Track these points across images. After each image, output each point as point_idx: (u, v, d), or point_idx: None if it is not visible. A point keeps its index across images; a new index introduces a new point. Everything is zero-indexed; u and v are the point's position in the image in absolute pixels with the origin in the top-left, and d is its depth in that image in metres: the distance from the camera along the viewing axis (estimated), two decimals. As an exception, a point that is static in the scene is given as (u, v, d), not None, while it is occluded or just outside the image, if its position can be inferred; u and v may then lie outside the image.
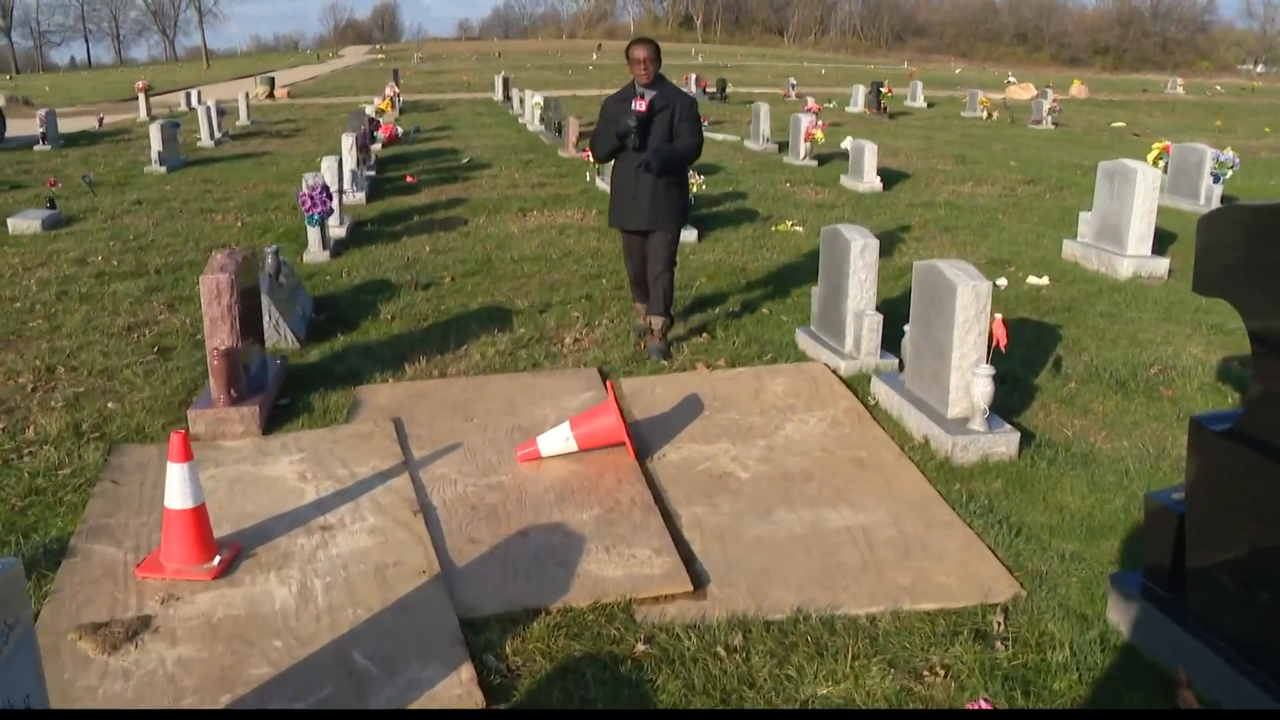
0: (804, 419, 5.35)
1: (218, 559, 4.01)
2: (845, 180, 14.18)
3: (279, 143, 21.03)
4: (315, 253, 9.61)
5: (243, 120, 25.34)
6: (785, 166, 16.03)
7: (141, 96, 27.98)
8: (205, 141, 20.54)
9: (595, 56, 73.96)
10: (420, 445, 5.19)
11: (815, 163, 16.09)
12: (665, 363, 6.35)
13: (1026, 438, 5.07)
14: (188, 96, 31.57)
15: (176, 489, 3.94)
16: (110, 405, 5.78)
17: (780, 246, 9.91)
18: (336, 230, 10.58)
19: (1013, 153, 19.14)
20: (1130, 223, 8.58)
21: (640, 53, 6.18)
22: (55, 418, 5.57)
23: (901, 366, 5.88)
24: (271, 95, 39.22)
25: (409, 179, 14.47)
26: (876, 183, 13.73)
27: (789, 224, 11.01)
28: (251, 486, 4.75)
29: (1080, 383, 6.01)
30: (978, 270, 4.99)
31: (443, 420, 5.50)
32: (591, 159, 6.59)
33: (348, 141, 12.84)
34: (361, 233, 10.80)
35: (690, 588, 3.79)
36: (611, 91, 6.73)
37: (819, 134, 15.94)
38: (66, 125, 25.58)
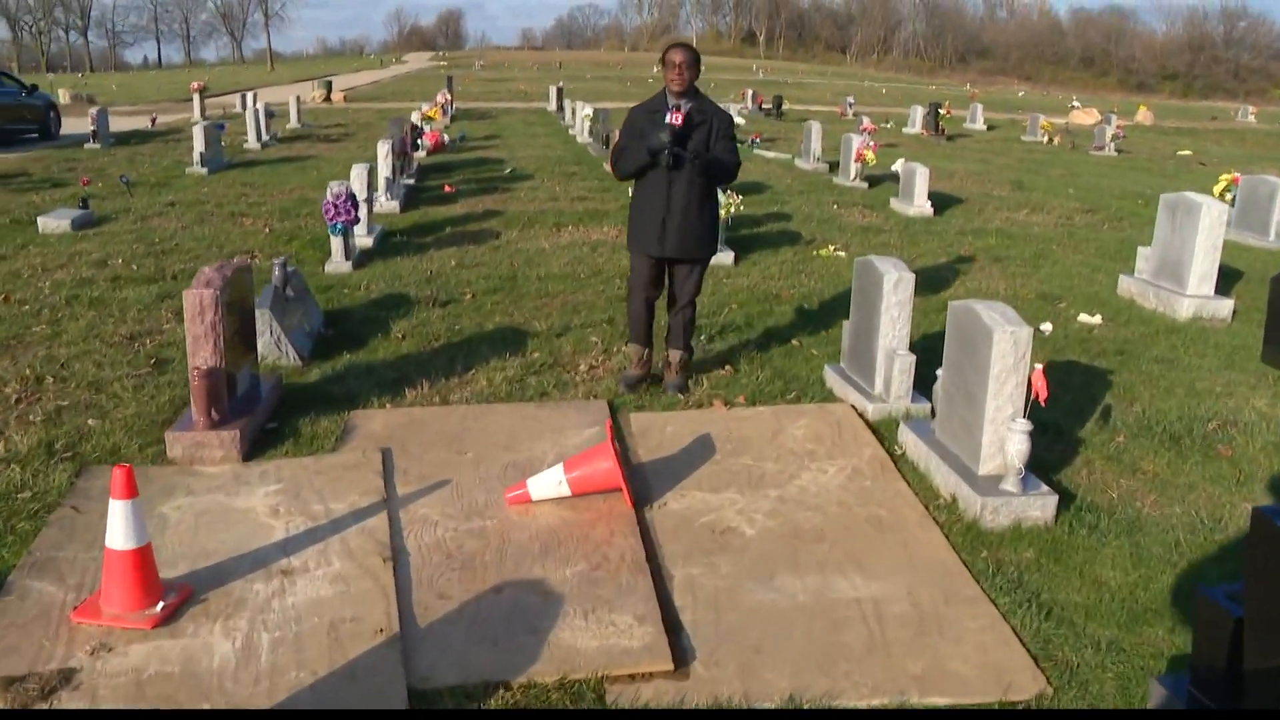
0: (823, 467, 4.92)
1: (161, 605, 3.66)
2: (895, 203, 13.70)
3: (325, 147, 20.91)
4: (338, 263, 9.33)
5: (292, 123, 25.32)
6: (834, 187, 15.57)
7: (196, 97, 28.08)
8: (252, 144, 20.48)
9: (656, 70, 73.67)
10: (406, 480, 4.83)
11: (865, 184, 15.61)
12: (681, 397, 5.93)
13: (1066, 498, 4.60)
14: (243, 98, 31.66)
15: (119, 528, 3.60)
16: (90, 422, 5.48)
17: (820, 273, 9.47)
18: (364, 240, 10.31)
19: (1072, 179, 18.52)
20: (1192, 260, 8.04)
21: (677, 56, 5.63)
22: (30, 433, 5.28)
23: (934, 412, 5.44)
24: (328, 99, 39.40)
25: (447, 189, 14.20)
26: (927, 207, 13.23)
27: (832, 248, 10.57)
28: (219, 520, 4.41)
29: (1130, 436, 5.52)
30: (1017, 314, 4.53)
31: (435, 452, 5.13)
32: (612, 173, 5.98)
33: (383, 149, 12.58)
34: (390, 243, 10.51)
35: (671, 665, 3.38)
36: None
37: (870, 155, 15.47)
38: (121, 124, 25.77)
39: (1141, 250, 8.85)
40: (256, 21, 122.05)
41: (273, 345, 6.51)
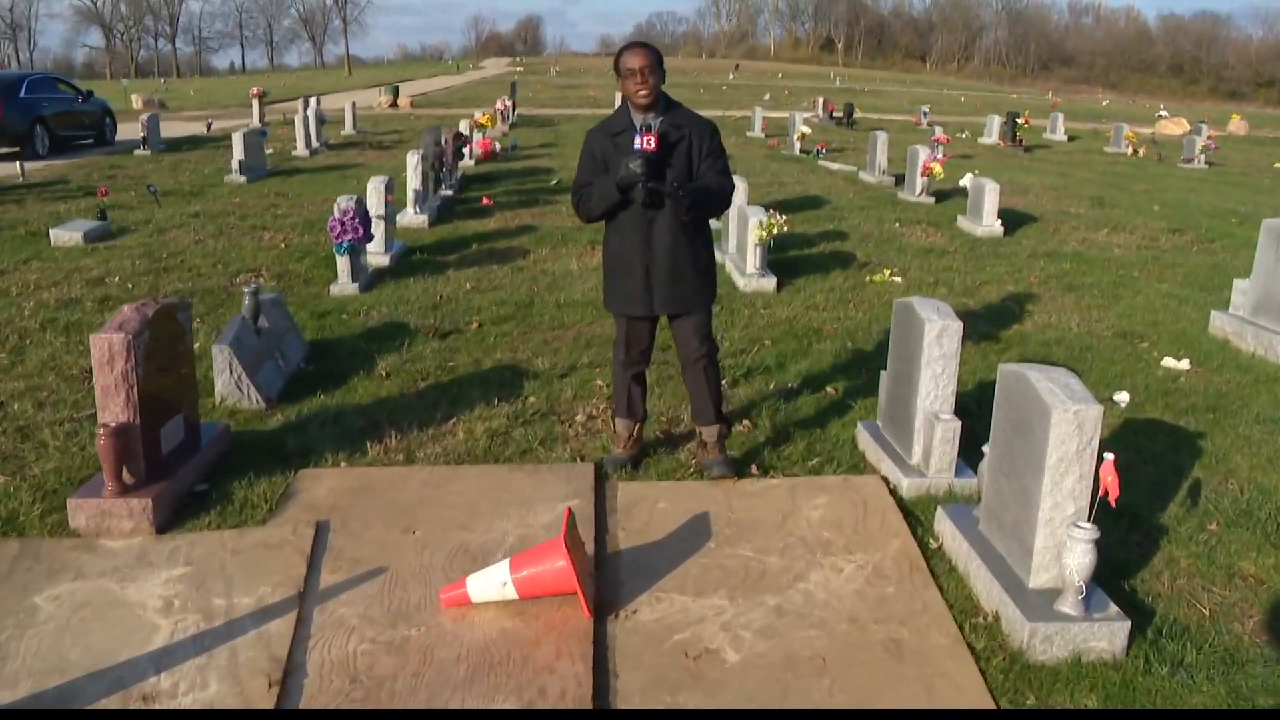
0: (838, 564, 4.02)
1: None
2: (962, 221, 12.66)
3: (375, 154, 20.35)
4: (344, 284, 8.61)
5: (347, 129, 24.87)
6: (898, 203, 14.54)
7: (255, 103, 27.80)
8: (300, 150, 20.00)
9: (731, 76, 72.93)
10: (335, 566, 4.03)
11: (932, 199, 14.56)
12: (725, 473, 4.84)
13: (1141, 616, 3.65)
14: (304, 103, 31.36)
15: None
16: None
17: (871, 302, 8.52)
18: (379, 258, 9.61)
19: (1158, 195, 17.25)
20: (1298, 298, 6.97)
21: (636, 59, 4.34)
22: (-75, 493, 4.59)
23: (980, 496, 4.51)
24: (394, 104, 39.11)
25: (485, 201, 13.47)
26: (996, 226, 12.18)
27: (888, 273, 9.60)
28: (97, 617, 3.65)
29: (1225, 525, 4.53)
30: (1083, 386, 3.58)
31: (378, 529, 4.33)
32: (578, 215, 4.77)
33: (412, 160, 11.87)
34: (408, 262, 9.78)
35: None
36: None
37: (937, 168, 14.42)
38: (179, 129, 25.62)
39: (1238, 283, 7.77)
40: (337, 27, 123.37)
41: (233, 386, 5.78)
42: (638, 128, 4.39)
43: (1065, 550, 3.41)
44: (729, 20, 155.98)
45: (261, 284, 8.50)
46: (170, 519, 4.42)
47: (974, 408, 5.65)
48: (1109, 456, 3.51)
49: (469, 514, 4.44)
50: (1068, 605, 3.44)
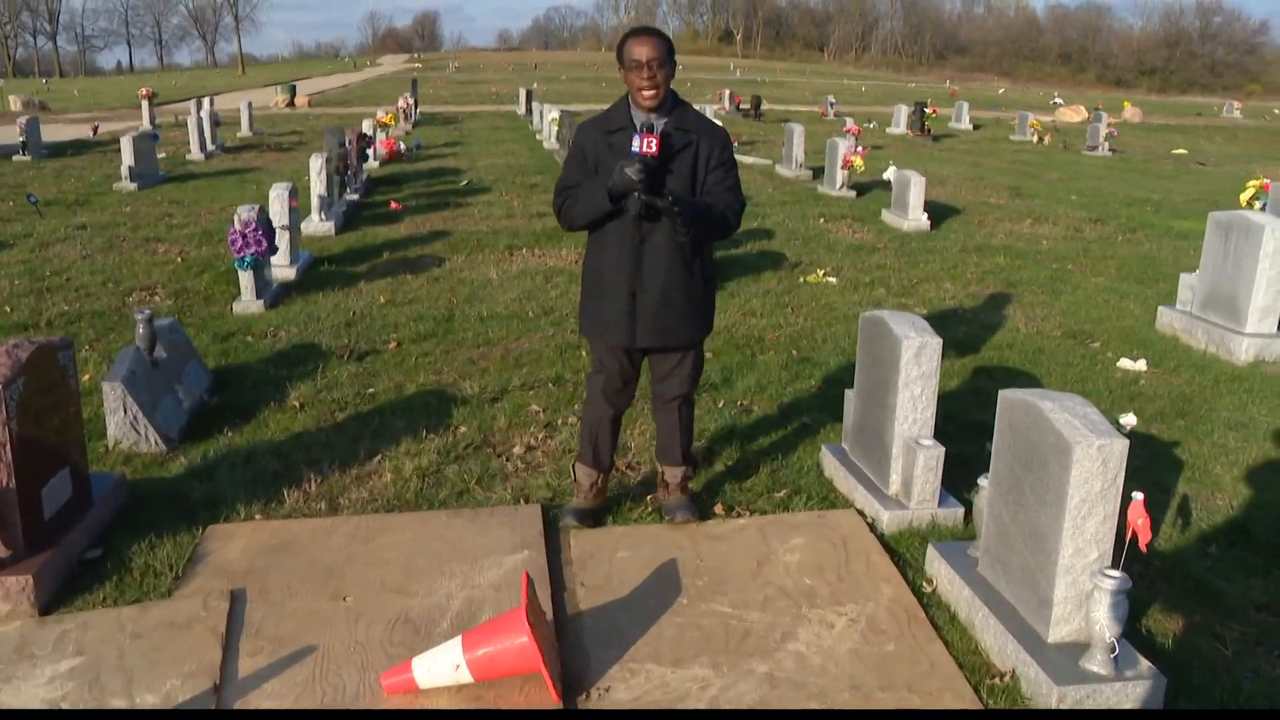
0: (827, 618, 3.60)
1: None
2: (887, 215, 12.41)
3: (274, 157, 19.50)
4: (247, 302, 7.96)
5: (244, 131, 23.88)
6: (820, 197, 14.27)
7: (145, 104, 26.57)
8: (195, 154, 19.05)
9: (630, 70, 72.43)
10: (255, 646, 3.49)
11: (854, 193, 14.32)
12: (686, 517, 4.33)
13: (1161, 662, 3.30)
14: (197, 104, 30.14)
15: None
16: None
17: (808, 305, 8.16)
18: (285, 271, 8.96)
19: (1071, 183, 17.30)
20: (1251, 291, 6.77)
21: (644, 50, 3.75)
22: None
23: (968, 518, 4.14)
24: (292, 104, 37.94)
25: (393, 205, 12.85)
26: (923, 220, 11.95)
27: (821, 273, 9.27)
28: (-31, 729, 3.06)
29: (1225, 547, 4.24)
30: (1102, 416, 3.21)
31: (303, 597, 3.79)
32: (558, 221, 4.07)
33: (316, 163, 11.20)
34: (315, 274, 9.15)
35: None
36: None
37: (858, 161, 14.18)
38: (63, 133, 24.35)
39: (1185, 278, 7.56)
40: (228, 25, 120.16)
41: (128, 427, 5.16)
42: (637, 127, 3.76)
43: (1093, 601, 3.04)
44: (627, 13, 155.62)
45: (155, 309, 7.81)
46: (56, 596, 3.83)
47: (939, 423, 5.28)
48: (1138, 496, 3.14)
49: (406, 573, 3.93)
50: (1097, 664, 3.07)
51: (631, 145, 3.72)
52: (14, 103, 38.41)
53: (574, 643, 3.49)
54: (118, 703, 3.18)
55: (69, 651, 3.47)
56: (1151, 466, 5.01)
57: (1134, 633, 3.49)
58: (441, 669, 3.14)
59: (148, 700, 3.19)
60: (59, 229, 11.39)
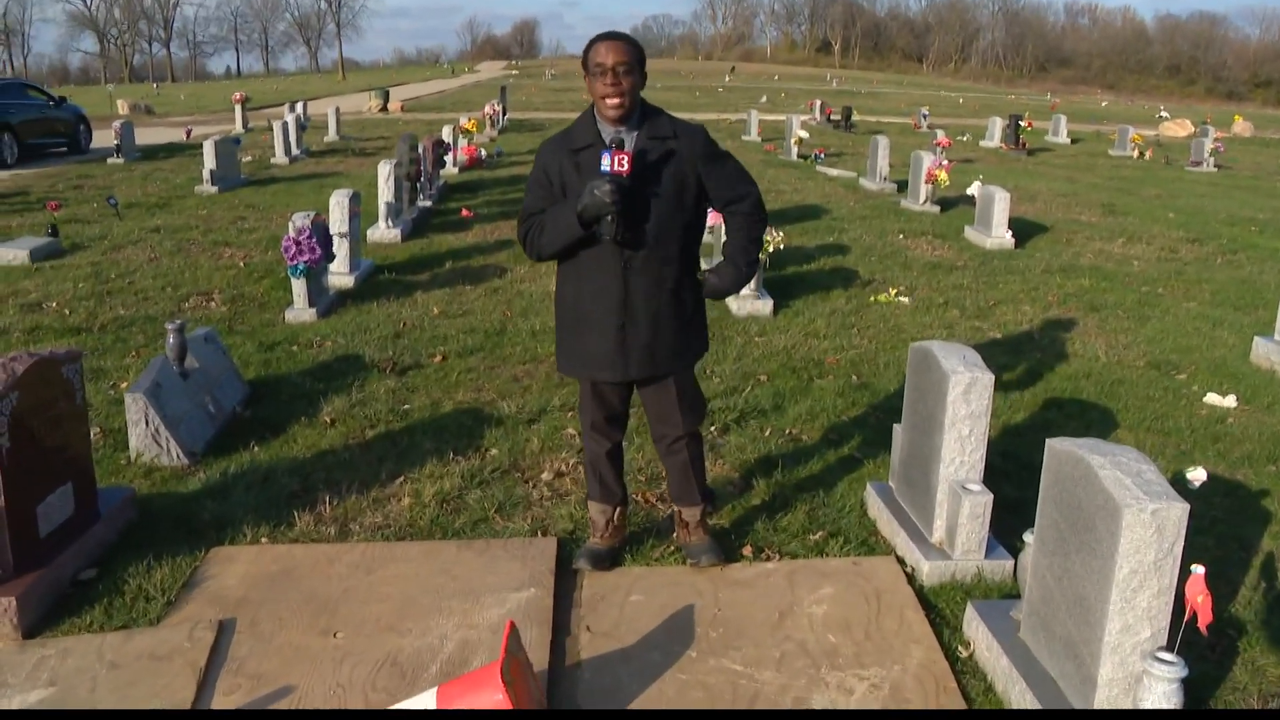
0: (846, 683, 3.26)
1: None
2: (970, 232, 11.92)
3: (357, 162, 19.59)
4: (299, 311, 7.86)
5: (330, 135, 24.10)
6: (902, 212, 13.80)
7: (238, 109, 27.04)
8: (279, 158, 19.25)
9: (728, 79, 72.42)
10: (232, 684, 3.28)
11: (937, 208, 13.83)
12: (712, 560, 3.99)
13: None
14: (291, 108, 30.62)
15: None
16: None
17: (876, 327, 7.78)
18: (343, 279, 8.86)
19: (1170, 201, 16.51)
20: (1355, 325, 6.24)
21: (609, 54, 3.42)
22: None
23: (1016, 572, 3.76)
24: (385, 108, 38.39)
25: (464, 213, 12.72)
26: (1007, 238, 11.44)
27: (893, 292, 8.87)
28: (-79, 766, 2.90)
29: (1311, 616, 3.79)
30: (1159, 474, 2.83)
31: (292, 630, 3.58)
32: (526, 253, 3.73)
33: (384, 170, 11.12)
34: (374, 282, 9.04)
35: None
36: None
37: (942, 175, 13.68)
38: (158, 136, 24.90)
39: (1283, 307, 7.02)
40: (331, 31, 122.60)
41: (150, 439, 5.03)
42: (606, 143, 3.46)
43: (1142, 686, 2.67)
44: (725, 23, 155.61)
45: (208, 315, 7.75)
46: (44, 616, 3.67)
47: (997, 461, 4.91)
48: (1198, 570, 2.76)
49: (402, 610, 3.69)
50: (1145, 758, 2.70)
51: (601, 163, 3.40)
52: (121, 106, 39.49)
53: (566, 697, 3.21)
54: (78, 743, 2.99)
55: (42, 680, 3.30)
56: (1233, 518, 4.57)
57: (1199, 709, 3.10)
58: (414, 725, 2.89)
59: (109, 742, 2.99)
60: (134, 231, 11.49)
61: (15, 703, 3.19)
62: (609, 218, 3.42)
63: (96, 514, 4.24)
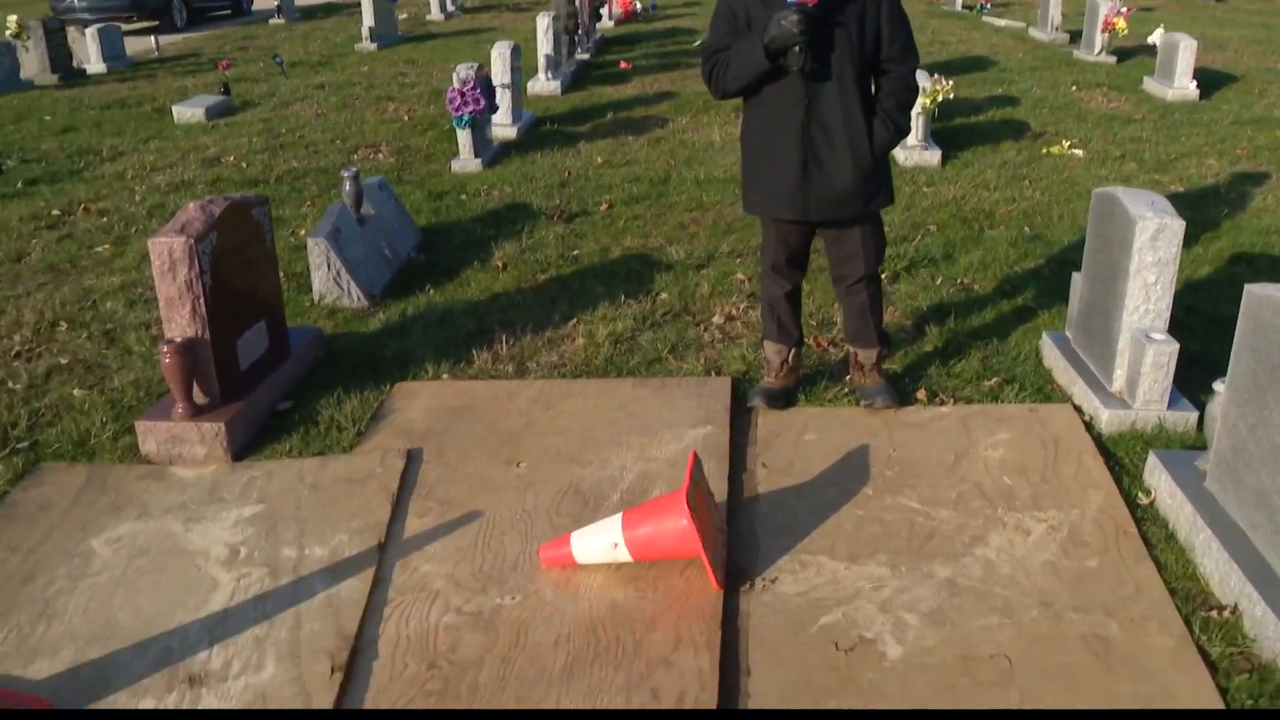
0: (1024, 523, 3.27)
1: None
2: (1149, 84, 11.25)
3: (512, 16, 19.51)
4: (465, 161, 8.00)
5: (484, -10, 23.98)
6: (1075, 63, 13.09)
7: (393, -35, 27.02)
8: (434, 14, 19.32)
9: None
10: (424, 508, 3.48)
11: (1113, 59, 13.05)
12: (885, 404, 4.00)
13: None
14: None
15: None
16: (76, 392, 4.35)
17: (1049, 179, 7.49)
18: (506, 130, 8.95)
19: (1381, 48, 15.23)
20: None
21: None
22: (-3, 406, 4.21)
23: (1201, 426, 3.67)
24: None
25: (622, 65, 12.61)
26: (1191, 89, 10.75)
27: (1066, 144, 8.49)
28: (153, 569, 3.18)
29: None
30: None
31: (477, 461, 3.75)
32: (709, 90, 3.74)
33: (543, 22, 11.07)
34: (537, 134, 9.10)
35: None
36: None
37: (1120, 23, 12.86)
38: (313, -3, 25.15)
39: None
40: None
41: (331, 282, 5.26)
42: None
43: (1339, 533, 2.60)
44: None
45: (376, 166, 7.94)
46: (249, 443, 3.94)
47: (1180, 314, 4.74)
48: None
49: (582, 443, 3.83)
50: (1340, 605, 2.64)
51: None
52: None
53: (746, 528, 3.30)
54: (289, 552, 3.24)
55: (253, 498, 3.56)
56: None
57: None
58: (600, 546, 3.03)
59: (316, 553, 3.23)
60: (299, 88, 11.77)
61: (233, 516, 3.45)
62: (796, 48, 3.38)
63: (288, 351, 4.48)
